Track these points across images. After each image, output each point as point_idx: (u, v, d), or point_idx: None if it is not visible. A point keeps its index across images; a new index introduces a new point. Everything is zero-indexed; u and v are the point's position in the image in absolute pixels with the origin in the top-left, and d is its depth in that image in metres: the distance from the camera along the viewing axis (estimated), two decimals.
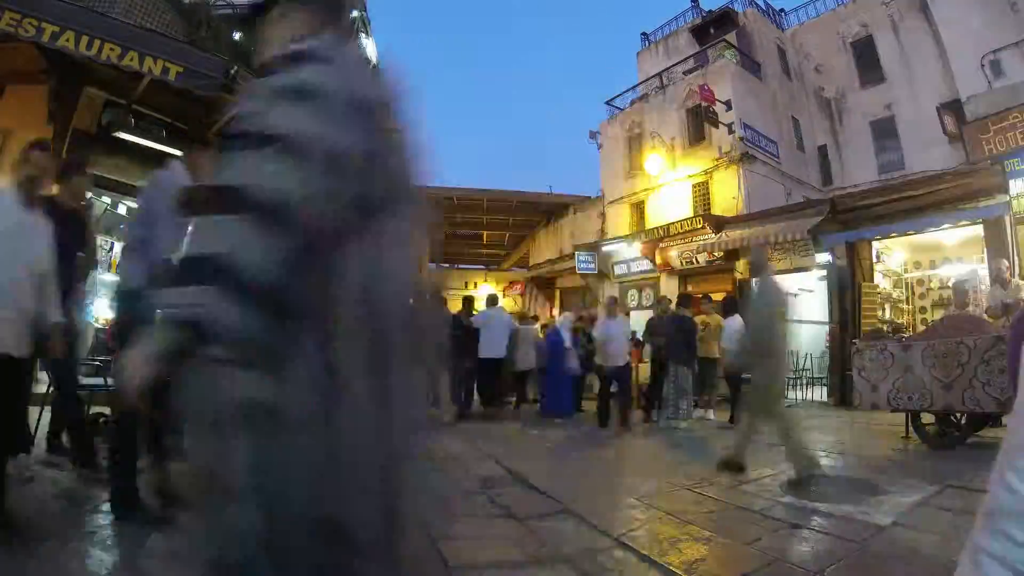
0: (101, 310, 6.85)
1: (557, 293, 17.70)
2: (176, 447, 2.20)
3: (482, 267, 28.84)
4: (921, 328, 8.74)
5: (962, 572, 0.76)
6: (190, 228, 0.87)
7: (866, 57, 14.16)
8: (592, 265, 14.34)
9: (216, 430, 0.83)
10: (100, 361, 4.60)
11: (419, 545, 0.99)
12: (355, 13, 16.09)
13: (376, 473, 0.87)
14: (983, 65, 10.97)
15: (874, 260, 9.12)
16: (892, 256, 9.97)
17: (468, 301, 8.15)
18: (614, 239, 14.27)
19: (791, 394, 9.41)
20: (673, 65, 15.40)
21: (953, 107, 11.31)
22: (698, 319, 7.68)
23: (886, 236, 8.89)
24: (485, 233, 24.37)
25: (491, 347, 7.31)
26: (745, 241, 10.05)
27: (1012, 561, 0.69)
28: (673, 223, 12.30)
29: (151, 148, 6.98)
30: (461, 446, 4.96)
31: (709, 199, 12.74)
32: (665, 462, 4.78)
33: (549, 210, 19.81)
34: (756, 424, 4.05)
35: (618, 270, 14.25)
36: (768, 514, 2.92)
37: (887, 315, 9.35)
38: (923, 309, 10.03)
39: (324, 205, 0.82)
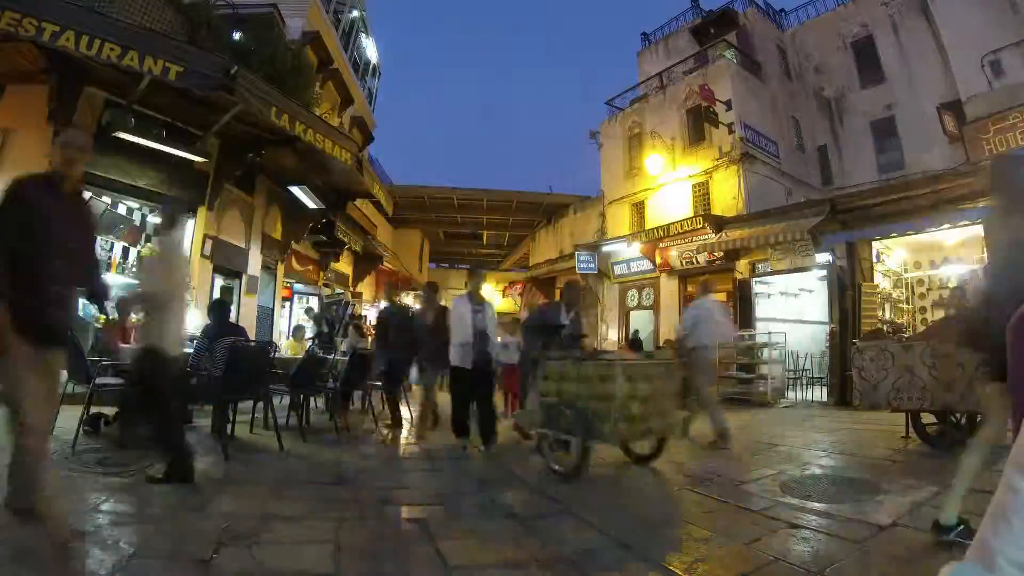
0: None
1: (557, 293, 17.69)
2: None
3: (482, 267, 28.87)
4: (921, 328, 8.75)
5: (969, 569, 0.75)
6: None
7: (866, 57, 14.15)
8: (592, 265, 14.34)
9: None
10: (102, 361, 4.60)
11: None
12: (355, 13, 16.07)
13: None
14: (983, 65, 10.96)
15: (874, 260, 9.12)
16: (892, 256, 9.96)
17: None
18: (614, 239, 14.26)
19: (791, 394, 9.42)
20: (673, 65, 15.39)
21: (953, 107, 11.30)
22: None
23: (886, 236, 8.88)
24: (485, 233, 24.38)
25: None
26: (745, 241, 10.05)
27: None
28: (673, 223, 12.30)
29: (151, 148, 6.98)
30: None
31: (709, 199, 12.73)
32: None
33: (549, 210, 19.81)
34: None
35: (618, 270, 14.26)
36: (768, 514, 2.92)
37: (887, 315, 9.34)
38: (923, 309, 10.02)
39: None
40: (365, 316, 15.10)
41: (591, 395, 3.89)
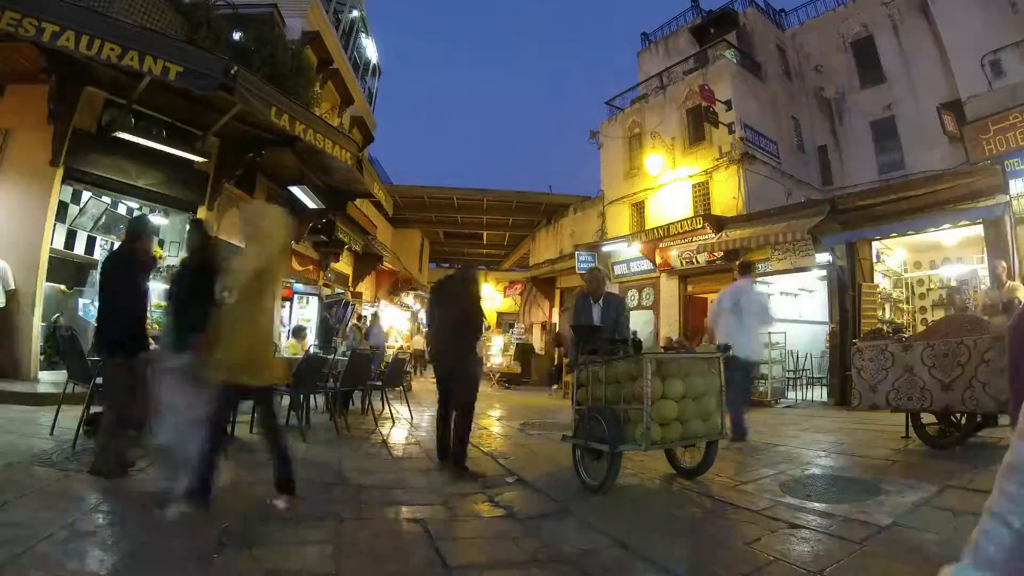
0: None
1: (557, 293, 17.70)
2: None
3: (482, 267, 28.87)
4: (921, 328, 8.74)
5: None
6: None
7: (866, 57, 14.15)
8: (592, 265, 14.33)
9: None
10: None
11: None
12: (355, 13, 16.08)
13: None
14: (983, 65, 10.96)
15: (874, 260, 9.11)
16: (892, 256, 9.96)
17: None
18: (614, 239, 14.26)
19: (791, 394, 9.42)
20: (673, 65, 15.40)
21: (953, 107, 11.29)
22: None
23: (886, 236, 8.88)
24: (485, 233, 24.42)
25: None
26: (745, 241, 10.04)
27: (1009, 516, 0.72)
28: (673, 223, 12.29)
29: (151, 148, 6.98)
30: None
31: (709, 199, 12.73)
32: None
33: (549, 210, 19.81)
34: None
35: (618, 270, 14.25)
36: (768, 514, 2.92)
37: (887, 315, 9.33)
38: (923, 309, 10.02)
39: None
40: (366, 317, 15.08)
41: (621, 397, 3.56)
